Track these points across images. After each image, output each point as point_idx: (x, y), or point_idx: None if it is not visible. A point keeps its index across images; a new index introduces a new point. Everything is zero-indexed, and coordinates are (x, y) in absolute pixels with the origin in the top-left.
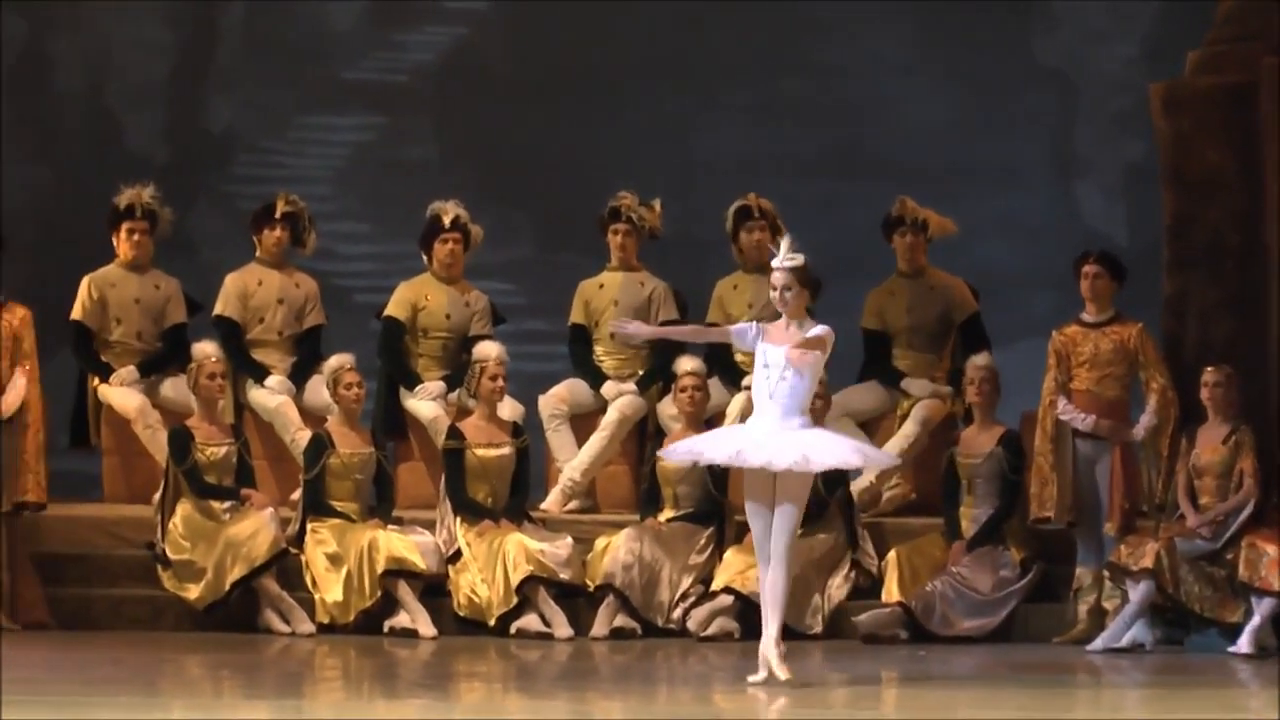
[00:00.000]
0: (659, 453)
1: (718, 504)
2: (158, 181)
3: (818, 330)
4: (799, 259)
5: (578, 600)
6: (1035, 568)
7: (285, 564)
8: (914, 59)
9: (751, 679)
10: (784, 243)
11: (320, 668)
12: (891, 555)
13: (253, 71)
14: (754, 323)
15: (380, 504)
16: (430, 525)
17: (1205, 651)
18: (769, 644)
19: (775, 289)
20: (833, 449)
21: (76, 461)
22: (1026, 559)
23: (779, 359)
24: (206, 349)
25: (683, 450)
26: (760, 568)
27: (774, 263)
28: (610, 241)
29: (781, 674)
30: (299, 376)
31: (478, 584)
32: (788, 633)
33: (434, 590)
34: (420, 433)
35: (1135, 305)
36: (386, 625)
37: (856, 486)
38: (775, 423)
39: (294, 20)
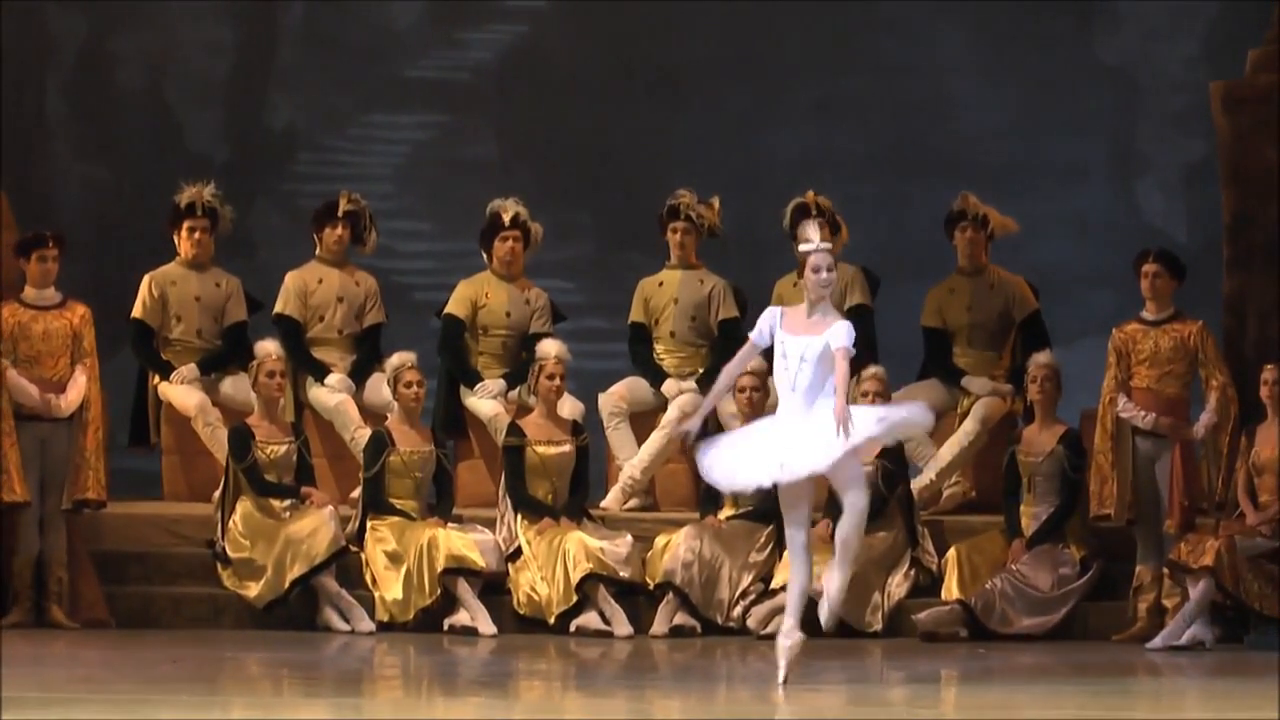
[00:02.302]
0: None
1: (777, 502)
2: (218, 180)
3: (840, 338)
4: (828, 243)
5: (637, 598)
6: (1095, 566)
7: (345, 562)
8: (976, 58)
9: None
10: (812, 227)
11: (380, 666)
12: (951, 553)
13: (314, 70)
14: (772, 310)
15: (440, 502)
16: (490, 523)
17: (1265, 649)
18: (833, 589)
19: (817, 271)
20: (858, 424)
21: (136, 460)
22: (1086, 557)
23: (797, 349)
24: (268, 347)
25: (722, 479)
26: (792, 565)
27: (804, 248)
28: (670, 239)
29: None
30: (359, 375)
31: (537, 582)
32: (847, 630)
33: (493, 588)
34: (480, 431)
35: (1195, 303)
36: (446, 623)
37: (916, 484)
38: (801, 414)
39: (354, 19)
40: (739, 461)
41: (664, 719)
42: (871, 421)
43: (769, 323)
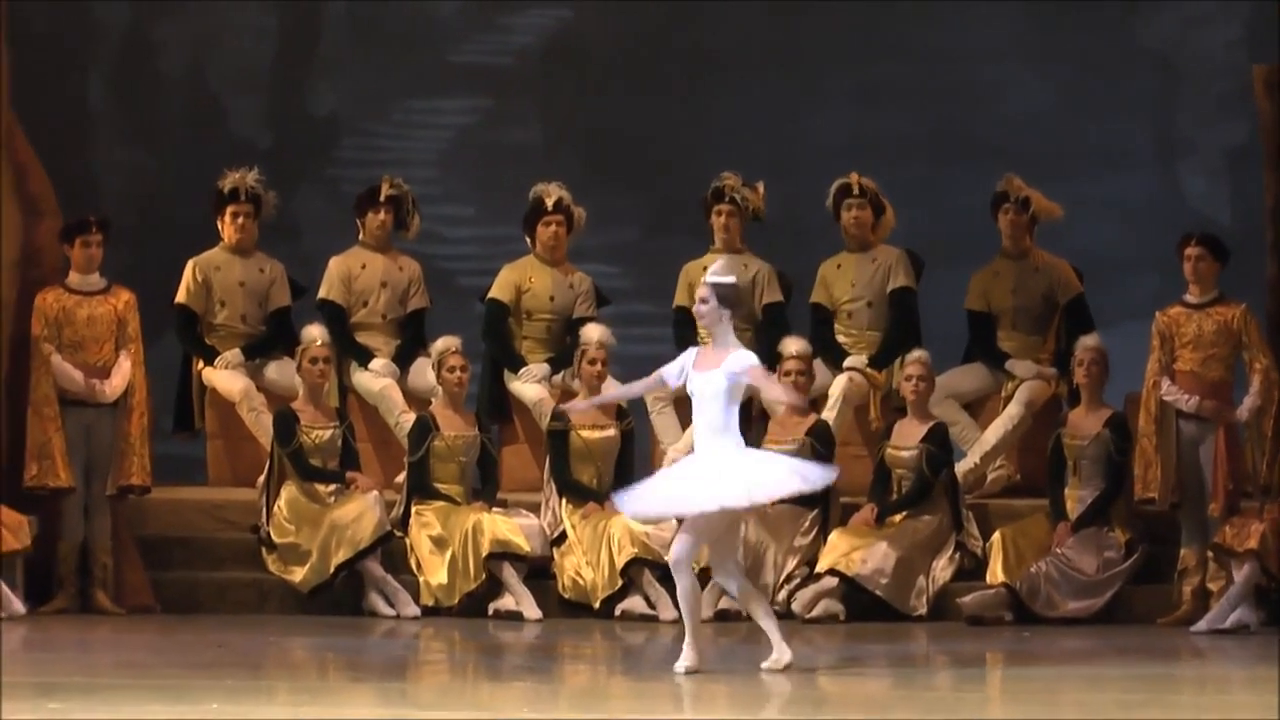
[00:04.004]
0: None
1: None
2: (261, 165)
3: (744, 363)
4: (726, 278)
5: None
6: (1140, 549)
7: (390, 547)
8: (1018, 42)
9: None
10: (720, 263)
11: (425, 650)
12: (996, 537)
13: (357, 55)
14: (691, 350)
15: (485, 486)
16: (535, 508)
17: None
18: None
19: (701, 301)
20: (773, 475)
21: (181, 445)
22: (1131, 540)
23: (701, 386)
24: (313, 332)
25: (635, 507)
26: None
27: (706, 280)
28: (714, 223)
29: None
30: (403, 360)
31: (582, 566)
32: (892, 614)
33: (538, 572)
34: (525, 415)
35: (1238, 287)
36: (491, 608)
37: (961, 468)
38: (706, 452)
39: (397, 4)
40: (651, 493)
41: (709, 703)
42: (782, 479)
43: (682, 363)
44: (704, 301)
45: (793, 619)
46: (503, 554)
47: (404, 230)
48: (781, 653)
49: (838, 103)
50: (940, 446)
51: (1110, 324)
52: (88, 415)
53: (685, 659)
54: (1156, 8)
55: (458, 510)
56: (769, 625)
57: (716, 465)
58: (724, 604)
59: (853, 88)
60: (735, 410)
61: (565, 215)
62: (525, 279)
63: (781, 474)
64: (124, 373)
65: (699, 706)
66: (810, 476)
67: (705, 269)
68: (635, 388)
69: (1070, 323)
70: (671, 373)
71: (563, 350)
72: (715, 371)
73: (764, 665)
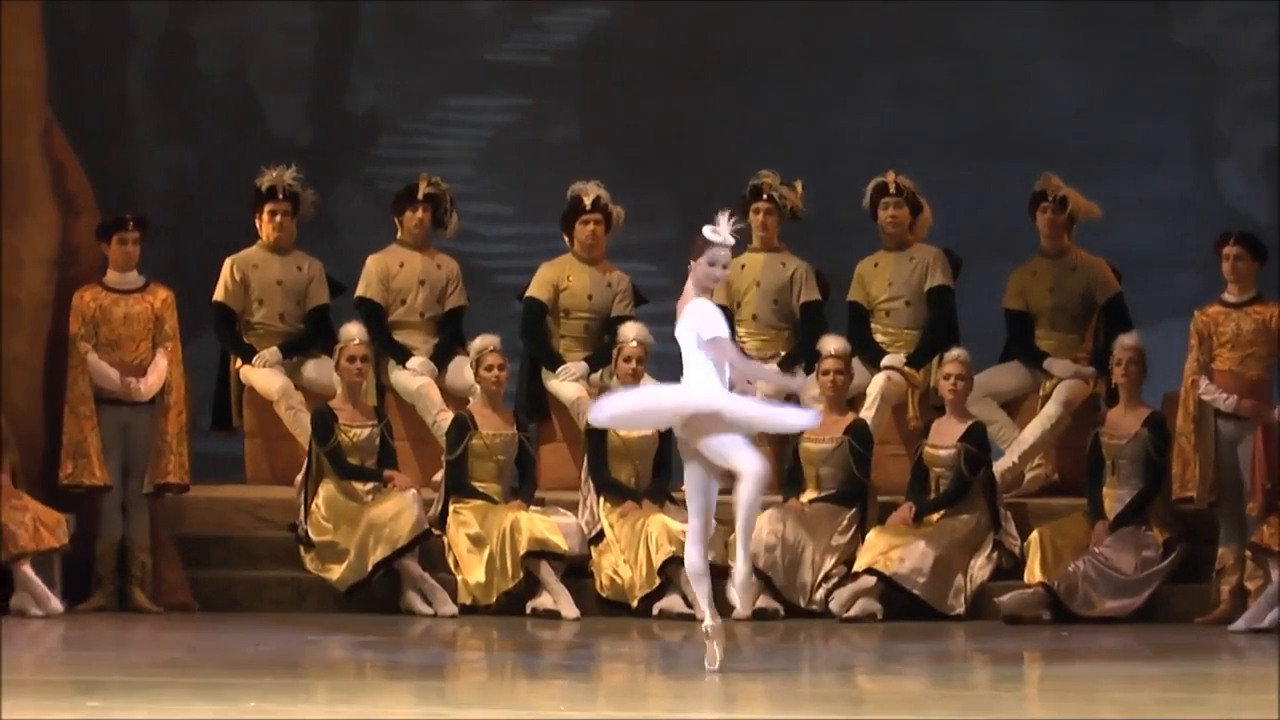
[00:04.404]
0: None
1: (861, 485)
2: (300, 163)
3: (696, 324)
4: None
5: (720, 581)
6: (1178, 548)
7: (427, 545)
8: (1055, 41)
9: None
10: (723, 218)
11: (462, 649)
12: (1034, 536)
13: (395, 53)
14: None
15: (522, 485)
16: (573, 506)
17: None
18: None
19: (714, 264)
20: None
21: (219, 443)
22: (1169, 539)
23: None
24: (351, 331)
25: (616, 409)
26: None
27: (712, 236)
28: (752, 220)
29: (741, 606)
30: (441, 358)
31: (620, 565)
32: (930, 613)
33: (576, 571)
34: (563, 414)
35: (1277, 285)
36: (529, 606)
37: (999, 467)
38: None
39: (436, 2)
40: (621, 399)
41: (747, 702)
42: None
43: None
44: (725, 266)
45: (831, 618)
46: (540, 552)
47: (442, 228)
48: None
49: (876, 101)
50: (978, 445)
51: (1148, 323)
52: (124, 414)
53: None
54: (1194, 6)
55: (495, 509)
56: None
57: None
58: (761, 603)
59: (891, 86)
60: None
61: (603, 214)
62: (563, 277)
63: (758, 408)
64: (160, 371)
65: (737, 706)
66: (786, 420)
67: (742, 268)
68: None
69: (1108, 322)
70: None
71: (600, 349)
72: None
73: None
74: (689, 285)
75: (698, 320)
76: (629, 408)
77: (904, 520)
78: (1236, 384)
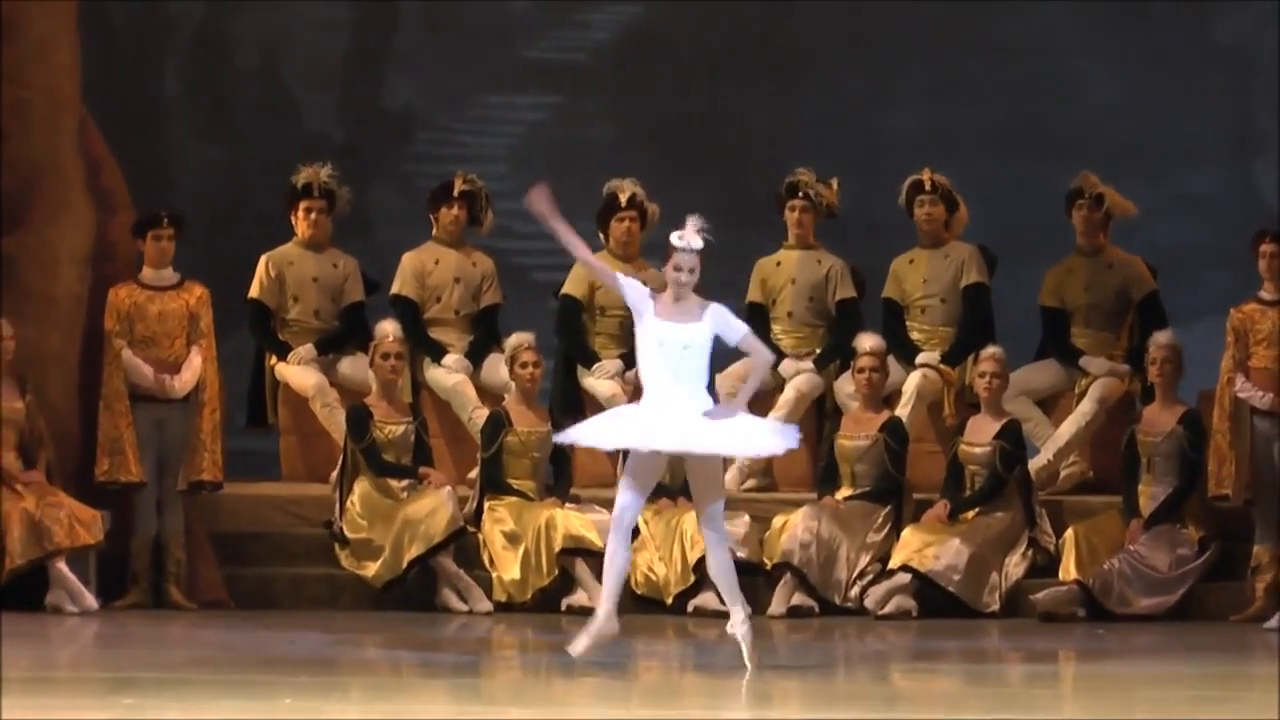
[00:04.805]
0: (556, 439)
1: (896, 482)
2: (335, 160)
3: (735, 323)
4: (700, 242)
5: (755, 578)
6: (1213, 546)
7: (463, 542)
8: (1092, 38)
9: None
10: (690, 222)
11: (498, 646)
12: (1069, 533)
13: (431, 50)
14: (650, 291)
15: (558, 482)
16: (608, 503)
17: None
18: (738, 625)
19: (679, 269)
20: (766, 432)
21: (254, 440)
22: (1204, 537)
23: (682, 337)
24: (386, 328)
25: (576, 435)
26: (616, 539)
27: (676, 241)
28: (788, 218)
29: (751, 662)
30: (476, 355)
31: (655, 562)
32: (965, 610)
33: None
34: (598, 411)
35: None
36: (564, 603)
37: (1034, 465)
38: (686, 403)
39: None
40: (612, 424)
41: (782, 700)
42: (772, 438)
43: (642, 296)
44: (691, 271)
45: (865, 615)
46: (576, 549)
47: (477, 226)
48: (600, 615)
49: (913, 98)
50: (1013, 443)
51: (1184, 320)
52: (159, 410)
53: (588, 635)
54: (1231, 4)
55: (531, 506)
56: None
57: (675, 411)
58: (796, 600)
59: (928, 84)
60: (706, 365)
61: (639, 211)
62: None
63: (730, 435)
64: (194, 368)
65: (772, 704)
66: (763, 445)
67: (778, 265)
68: (594, 262)
69: (1144, 319)
70: (626, 285)
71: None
72: (697, 324)
73: (573, 647)
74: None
75: (732, 317)
76: (595, 438)
77: (939, 518)
78: (1273, 381)
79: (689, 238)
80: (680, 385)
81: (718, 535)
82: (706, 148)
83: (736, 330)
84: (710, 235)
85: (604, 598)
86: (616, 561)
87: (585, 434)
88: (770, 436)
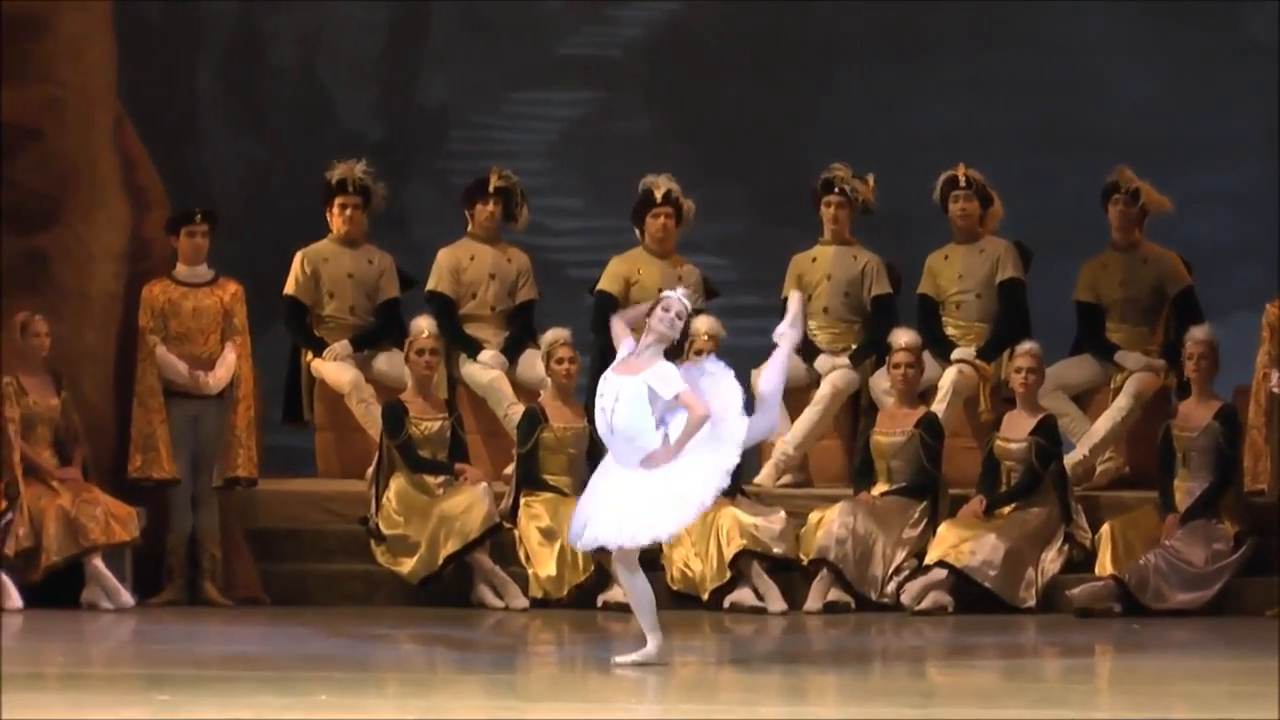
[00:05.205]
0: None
1: (932, 478)
2: (370, 157)
3: (671, 383)
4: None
5: (791, 574)
6: (1249, 541)
7: (499, 538)
8: (1126, 34)
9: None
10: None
11: (534, 642)
12: (1105, 529)
13: (466, 47)
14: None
15: None
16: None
17: None
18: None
19: (667, 310)
20: (648, 517)
21: (290, 437)
22: (1240, 532)
23: (615, 389)
24: (421, 324)
25: (583, 537)
26: (626, 574)
27: (679, 296)
28: (823, 214)
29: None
30: (512, 351)
31: (691, 558)
32: (1001, 606)
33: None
34: None
35: None
36: (600, 599)
37: (1070, 460)
38: (622, 460)
39: None
40: (583, 518)
41: (819, 695)
42: (668, 510)
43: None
44: (679, 317)
45: (902, 611)
46: None
47: (512, 222)
48: (651, 647)
49: (948, 94)
50: (1049, 438)
51: (1219, 315)
52: (194, 407)
53: (638, 656)
54: (1265, 0)
55: (567, 502)
56: (645, 619)
57: (628, 494)
58: (832, 596)
59: (963, 80)
60: (644, 416)
61: (674, 207)
62: (634, 271)
63: (692, 492)
64: (228, 364)
65: (808, 700)
66: (721, 466)
67: (813, 261)
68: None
69: (1179, 314)
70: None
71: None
72: (632, 378)
73: (621, 659)
74: (647, 341)
75: (671, 377)
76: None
77: (975, 513)
78: None
79: (686, 295)
80: (614, 438)
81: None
82: (741, 143)
83: (671, 389)
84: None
85: (647, 630)
86: (638, 590)
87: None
88: (656, 520)
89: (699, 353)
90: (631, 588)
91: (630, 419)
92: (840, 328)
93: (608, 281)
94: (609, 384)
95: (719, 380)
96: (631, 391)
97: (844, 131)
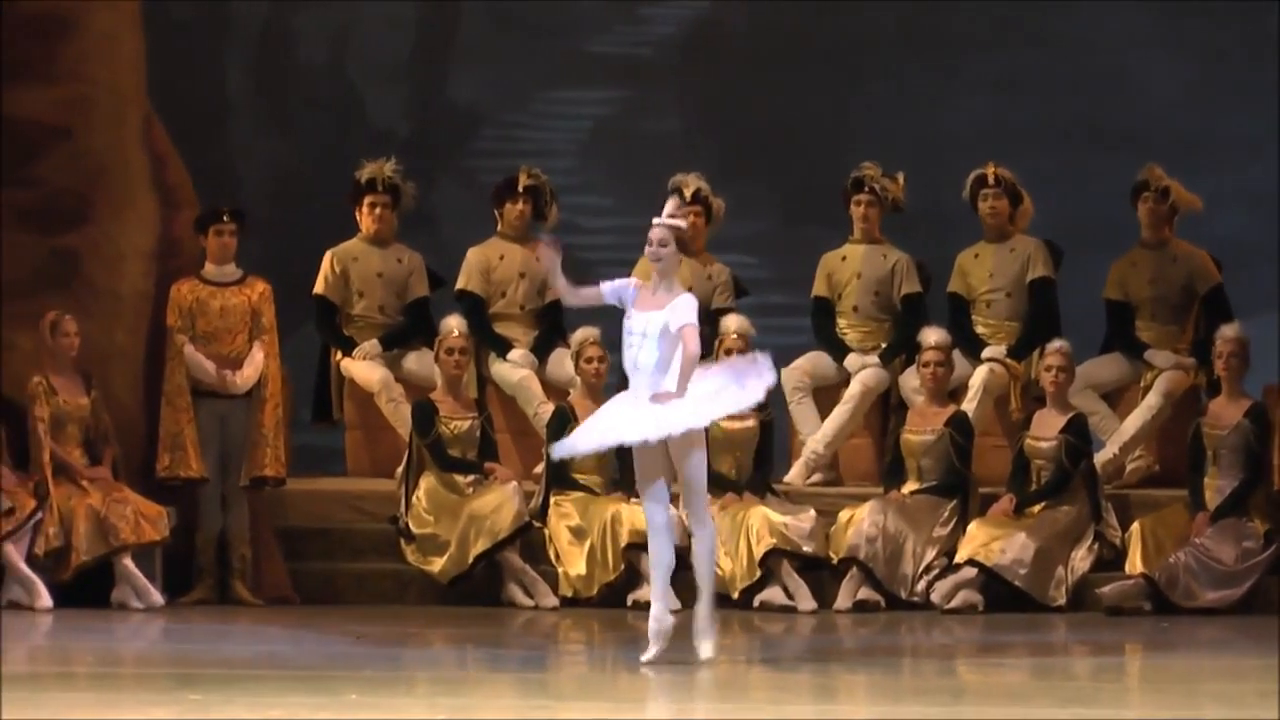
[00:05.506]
0: (550, 451)
1: (962, 476)
2: (400, 156)
3: (681, 314)
4: (683, 221)
5: (821, 573)
6: (1279, 539)
7: (529, 537)
8: (1153, 31)
9: (644, 656)
10: (670, 203)
11: (564, 641)
12: (1135, 527)
13: (496, 45)
14: (634, 281)
15: (624, 477)
16: (674, 499)
17: None
18: (701, 617)
19: (650, 244)
20: (685, 406)
21: (320, 436)
22: (1270, 530)
23: (642, 325)
24: (451, 323)
25: (565, 446)
26: (655, 542)
27: (656, 220)
28: (853, 213)
29: (706, 650)
30: (541, 350)
31: (721, 556)
32: (1031, 604)
33: (677, 563)
34: None
35: None
36: (630, 598)
37: (1100, 458)
38: (643, 391)
39: None
40: (579, 432)
41: (849, 695)
42: (697, 409)
43: (623, 290)
44: (663, 244)
45: (932, 609)
46: (642, 544)
47: (542, 220)
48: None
49: (977, 92)
50: (1079, 437)
51: (1249, 314)
52: (222, 406)
53: (653, 639)
54: None
55: (596, 501)
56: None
57: (642, 403)
58: (862, 594)
59: (992, 77)
60: (674, 350)
61: (704, 206)
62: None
63: (695, 404)
64: (256, 364)
65: (838, 699)
66: (739, 399)
67: (843, 259)
68: (582, 293)
69: (1209, 313)
70: (609, 291)
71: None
72: (657, 313)
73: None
74: (655, 281)
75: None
76: (585, 442)
77: (1005, 512)
78: None
79: (667, 213)
80: (639, 374)
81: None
82: (771, 142)
83: (678, 320)
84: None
85: (653, 596)
86: (661, 560)
87: (565, 446)
88: (688, 410)
89: (729, 352)
90: (657, 555)
91: (655, 355)
92: (870, 326)
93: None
94: (636, 321)
95: (759, 366)
96: (658, 327)
97: (874, 130)
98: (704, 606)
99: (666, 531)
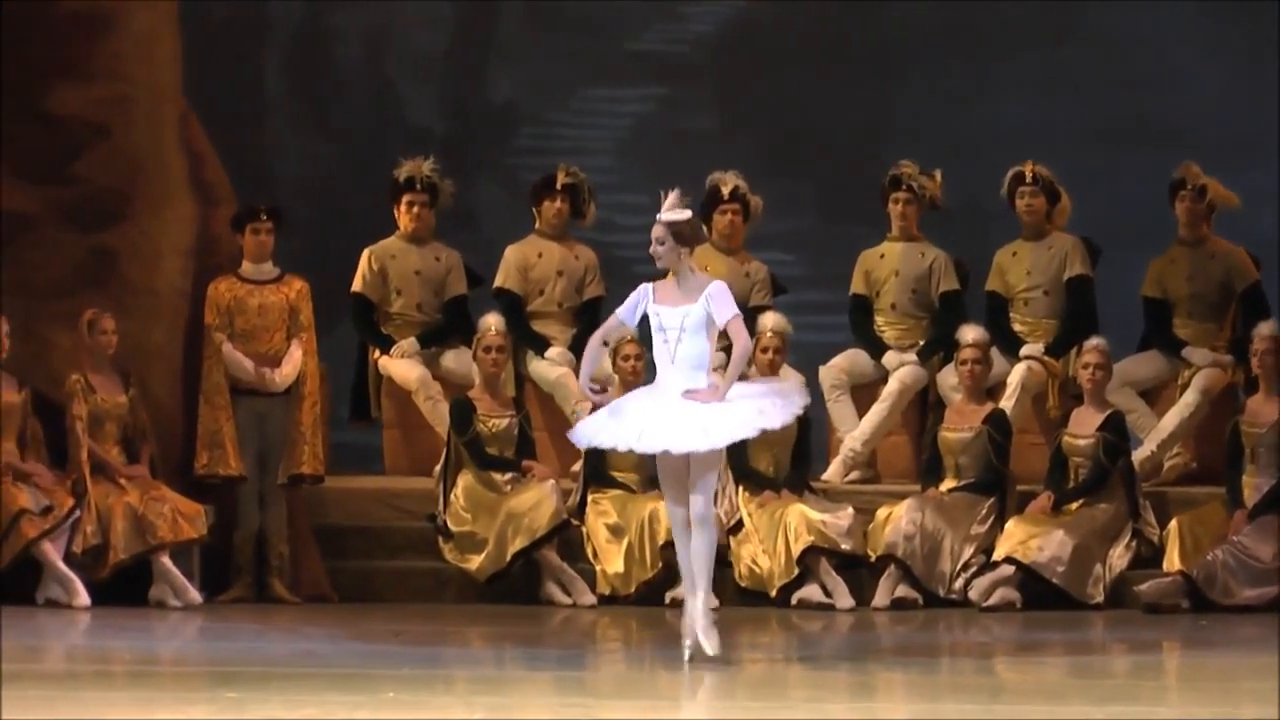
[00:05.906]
0: (570, 435)
1: (1000, 474)
2: (438, 154)
3: (725, 305)
4: (680, 214)
5: (859, 571)
6: None
7: (566, 535)
8: (1194, 29)
9: (687, 650)
10: (671, 196)
11: (602, 639)
12: (1173, 524)
13: (534, 43)
14: (643, 287)
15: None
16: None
17: None
18: (697, 613)
19: (650, 244)
20: (733, 418)
21: (358, 434)
22: None
23: (674, 320)
24: (489, 321)
25: (584, 434)
26: (677, 539)
27: (659, 219)
28: (891, 211)
29: (710, 648)
30: (579, 348)
31: (759, 555)
32: (1069, 602)
33: (715, 561)
34: None
35: None
36: (668, 596)
37: (1138, 456)
38: (679, 389)
39: None
40: (604, 423)
41: (887, 693)
42: (744, 421)
43: (638, 300)
44: (660, 242)
45: (970, 607)
46: None
47: (580, 218)
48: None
49: (1016, 91)
50: (1117, 434)
51: None
52: (260, 404)
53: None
54: None
55: (634, 498)
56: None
57: (679, 404)
58: (900, 592)
59: (1031, 76)
60: (712, 342)
61: (742, 204)
62: (701, 267)
63: (744, 415)
64: (294, 361)
65: (876, 697)
66: (773, 415)
67: (881, 257)
68: (595, 341)
69: (1247, 310)
70: (627, 312)
71: None
72: (693, 306)
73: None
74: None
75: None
76: (612, 441)
77: (1043, 509)
78: None
79: (665, 208)
80: (674, 369)
81: (698, 516)
82: (809, 140)
83: (724, 314)
84: (687, 211)
85: (685, 591)
86: (681, 558)
87: (579, 435)
88: (735, 422)
89: (765, 350)
90: (679, 553)
91: (697, 348)
92: (908, 324)
93: None
94: (668, 316)
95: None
96: (695, 320)
97: (910, 127)
98: (701, 603)
99: (686, 529)
